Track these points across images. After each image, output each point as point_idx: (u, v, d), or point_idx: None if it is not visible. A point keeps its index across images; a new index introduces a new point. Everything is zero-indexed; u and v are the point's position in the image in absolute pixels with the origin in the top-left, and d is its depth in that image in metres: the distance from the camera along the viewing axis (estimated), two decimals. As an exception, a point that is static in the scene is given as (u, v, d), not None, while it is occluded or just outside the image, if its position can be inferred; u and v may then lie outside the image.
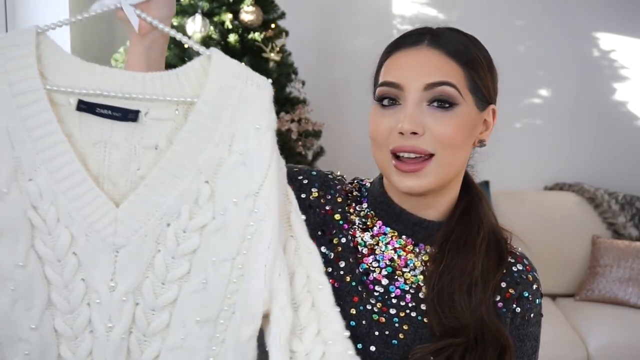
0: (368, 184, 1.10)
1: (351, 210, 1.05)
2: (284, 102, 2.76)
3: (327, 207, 1.03)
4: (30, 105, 0.85)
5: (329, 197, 1.04)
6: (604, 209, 3.28)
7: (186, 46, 2.58)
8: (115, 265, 0.87)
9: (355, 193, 1.08)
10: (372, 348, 0.97)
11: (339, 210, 1.04)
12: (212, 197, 0.89)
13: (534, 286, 1.03)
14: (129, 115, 0.87)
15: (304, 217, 0.92)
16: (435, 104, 0.94)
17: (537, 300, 1.03)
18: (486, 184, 3.29)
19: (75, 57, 0.89)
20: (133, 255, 0.87)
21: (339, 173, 1.11)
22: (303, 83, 2.85)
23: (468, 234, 1.00)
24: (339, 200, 1.05)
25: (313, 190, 1.04)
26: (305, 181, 1.05)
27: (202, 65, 0.91)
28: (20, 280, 0.86)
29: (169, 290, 0.89)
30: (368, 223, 1.04)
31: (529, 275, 1.03)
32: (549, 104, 3.51)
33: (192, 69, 0.91)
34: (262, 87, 0.89)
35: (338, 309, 0.88)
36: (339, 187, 1.07)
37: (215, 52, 0.90)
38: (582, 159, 3.51)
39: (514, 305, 1.01)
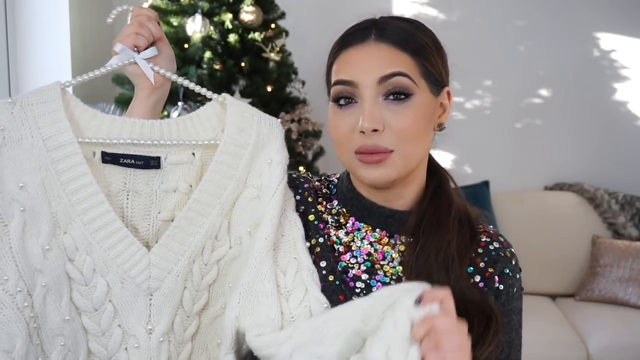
0: (335, 180, 1.10)
1: (322, 209, 1.06)
2: (284, 102, 2.76)
3: (301, 209, 1.03)
4: (65, 159, 0.88)
5: (298, 197, 1.04)
6: (604, 209, 3.28)
7: (186, 46, 2.58)
8: (151, 308, 0.91)
9: (324, 190, 1.09)
10: None
11: (312, 210, 1.04)
12: (228, 229, 0.94)
13: (513, 261, 1.03)
14: (151, 163, 0.92)
15: (308, 244, 0.97)
16: (391, 96, 0.95)
17: (517, 275, 1.04)
18: (486, 184, 3.29)
19: (93, 109, 0.93)
20: (167, 296, 0.91)
21: (303, 171, 1.11)
22: (303, 83, 2.85)
23: (440, 213, 1.01)
24: (310, 199, 1.05)
25: None
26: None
27: (214, 110, 0.97)
28: (68, 334, 0.89)
29: (193, 321, 0.95)
30: (341, 220, 1.04)
31: (507, 252, 1.03)
32: (549, 104, 3.51)
33: (204, 114, 0.97)
34: (275, 127, 0.97)
35: None
36: (306, 185, 1.07)
37: (229, 97, 0.97)
38: (582, 159, 3.51)
39: (496, 284, 1.01)
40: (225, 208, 0.93)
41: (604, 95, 3.48)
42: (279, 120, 0.97)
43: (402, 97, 0.95)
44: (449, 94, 1.03)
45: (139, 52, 0.97)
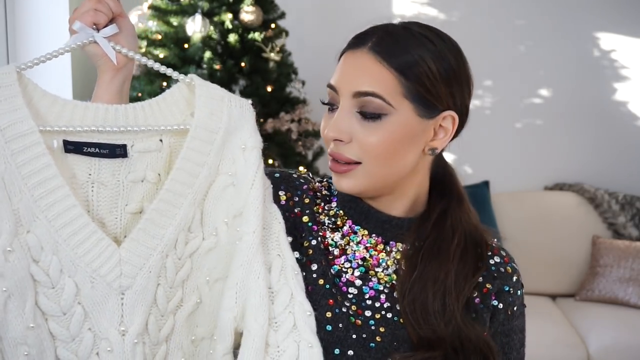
0: None
1: (320, 210, 1.03)
2: (284, 102, 2.76)
3: (296, 210, 1.01)
4: (26, 150, 0.81)
5: (297, 199, 1.02)
6: (604, 209, 3.28)
7: (186, 46, 2.58)
8: (123, 308, 0.84)
9: (324, 192, 1.06)
10: (350, 352, 0.93)
11: (307, 211, 1.02)
12: (201, 220, 0.88)
13: (514, 278, 1.01)
14: (117, 151, 0.85)
15: (290, 239, 0.93)
16: (362, 114, 0.93)
17: (519, 292, 1.02)
18: (486, 184, 3.29)
19: (53, 94, 0.86)
20: (139, 294, 0.85)
21: (305, 170, 1.09)
22: (303, 83, 2.85)
23: (442, 240, 0.97)
24: (307, 201, 1.03)
25: (280, 194, 1.02)
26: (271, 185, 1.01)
27: (182, 92, 0.90)
28: (32, 343, 0.83)
29: (168, 320, 0.89)
30: (338, 222, 1.02)
31: (508, 267, 1.01)
32: (549, 104, 3.51)
33: (171, 97, 0.90)
34: (245, 109, 0.90)
35: (318, 340, 0.87)
36: (305, 187, 1.05)
37: (197, 78, 0.90)
38: (582, 159, 3.51)
39: (493, 301, 0.99)
40: (197, 198, 0.87)
41: (604, 95, 3.48)
42: (250, 101, 0.92)
43: (374, 116, 0.92)
44: (453, 118, 0.96)
45: (98, 30, 0.90)
